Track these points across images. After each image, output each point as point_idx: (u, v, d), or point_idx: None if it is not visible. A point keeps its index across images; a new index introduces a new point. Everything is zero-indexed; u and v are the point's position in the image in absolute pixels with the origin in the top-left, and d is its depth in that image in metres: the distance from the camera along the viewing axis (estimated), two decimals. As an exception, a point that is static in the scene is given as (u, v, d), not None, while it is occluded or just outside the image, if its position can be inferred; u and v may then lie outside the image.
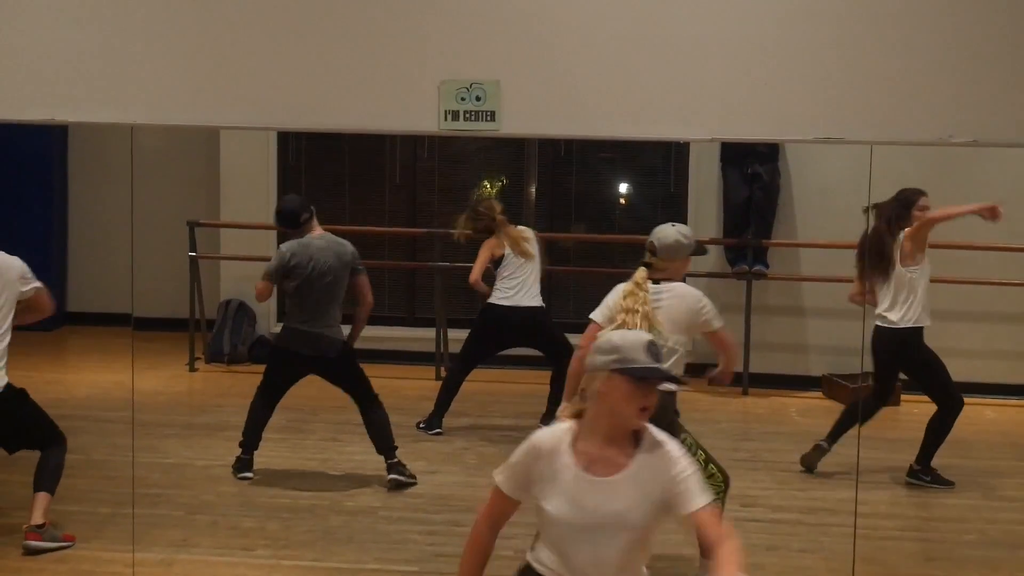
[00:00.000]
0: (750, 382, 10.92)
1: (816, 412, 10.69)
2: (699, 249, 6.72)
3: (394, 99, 5.92)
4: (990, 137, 5.66)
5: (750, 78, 5.68)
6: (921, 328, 8.50)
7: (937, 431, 8.58)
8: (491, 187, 12.90)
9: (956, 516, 8.05)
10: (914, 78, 5.71)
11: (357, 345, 8.58)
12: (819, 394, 11.17)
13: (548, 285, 12.10)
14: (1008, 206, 10.82)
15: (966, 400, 9.86)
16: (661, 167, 12.36)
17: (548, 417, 9.34)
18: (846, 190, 9.29)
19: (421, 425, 9.62)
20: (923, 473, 8.59)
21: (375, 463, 8.76)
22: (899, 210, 8.57)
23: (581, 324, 12.30)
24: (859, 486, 8.27)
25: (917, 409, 10.48)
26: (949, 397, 8.56)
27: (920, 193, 8.63)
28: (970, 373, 10.83)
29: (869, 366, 10.12)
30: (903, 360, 8.67)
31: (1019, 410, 10.38)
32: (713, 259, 11.44)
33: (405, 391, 10.89)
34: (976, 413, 10.42)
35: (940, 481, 8.54)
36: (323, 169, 12.84)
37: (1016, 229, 10.66)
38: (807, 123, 5.74)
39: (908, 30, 5.68)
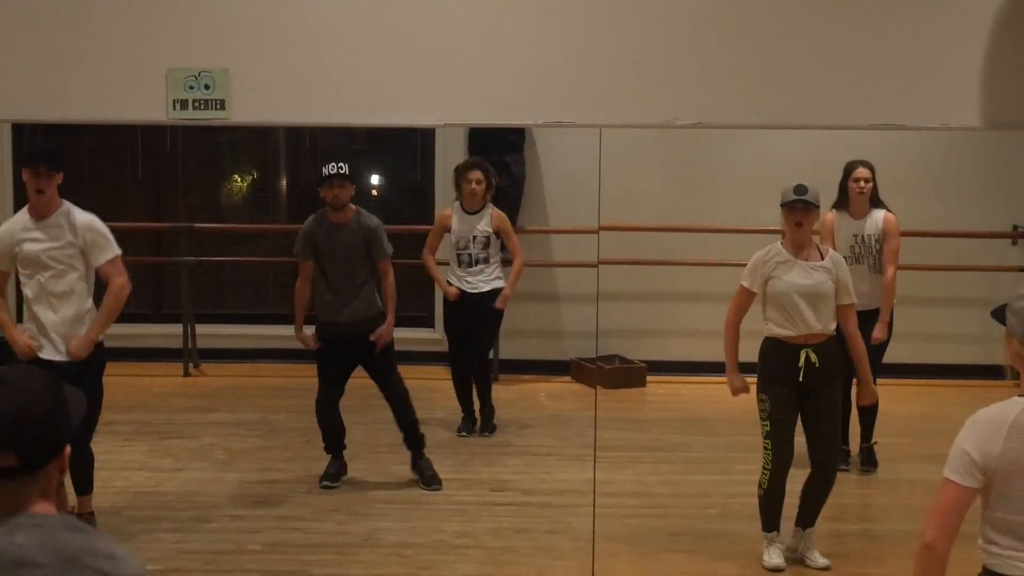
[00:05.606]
0: (500, 368, 11.03)
1: (565, 396, 10.86)
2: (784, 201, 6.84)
3: (121, 88, 5.80)
4: (713, 119, 5.83)
5: (479, 64, 5.73)
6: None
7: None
8: (241, 181, 12.77)
9: (698, 492, 8.25)
10: (641, 63, 5.82)
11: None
12: (568, 378, 11.33)
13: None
14: (741, 187, 11.21)
15: (705, 379, 10.20)
16: (409, 157, 12.39)
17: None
18: (594, 176, 9.42)
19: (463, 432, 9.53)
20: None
21: (120, 462, 8.58)
22: (842, 181, 8.49)
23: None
24: (608, 467, 8.44)
25: (663, 390, 10.77)
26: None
27: (857, 164, 8.45)
28: (713, 352, 11.16)
29: (602, 349, 10.37)
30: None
31: (759, 387, 10.70)
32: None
33: (153, 389, 10.70)
34: (718, 391, 10.68)
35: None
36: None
37: (744, 211, 11.03)
38: (538, 107, 5.81)
39: (633, 16, 5.79)
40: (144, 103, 5.79)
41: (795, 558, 7.01)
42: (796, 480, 6.91)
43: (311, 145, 12.51)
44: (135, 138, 12.23)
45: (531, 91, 5.79)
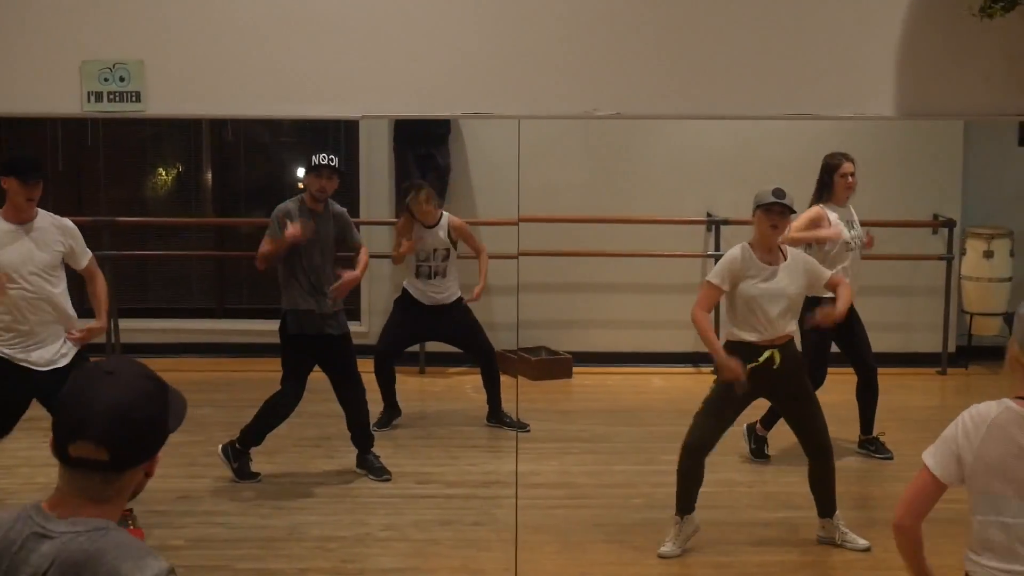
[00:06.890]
0: (427, 361, 11.01)
1: (491, 387, 10.83)
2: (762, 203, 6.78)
3: (34, 81, 5.73)
4: (632, 110, 5.83)
5: (398, 55, 5.71)
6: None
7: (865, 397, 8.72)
8: (165, 174, 12.66)
9: (623, 482, 8.27)
10: (560, 54, 5.83)
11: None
12: (495, 370, 11.32)
13: (223, 272, 11.97)
14: (662, 178, 11.25)
15: (630, 370, 10.22)
16: (333, 150, 12.30)
17: None
18: (523, 167, 9.41)
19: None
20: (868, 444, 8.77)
21: (42, 458, 8.45)
22: (824, 176, 8.41)
23: (256, 310, 12.25)
24: (533, 458, 8.46)
25: (588, 381, 10.79)
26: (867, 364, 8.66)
27: (842, 159, 8.39)
28: (638, 343, 11.21)
29: (528, 341, 10.36)
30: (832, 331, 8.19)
31: (684, 377, 10.76)
32: (387, 240, 11.49)
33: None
34: (643, 381, 10.78)
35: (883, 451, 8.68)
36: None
37: (665, 202, 11.08)
38: (456, 99, 5.80)
39: (552, 7, 5.79)
40: (58, 96, 5.72)
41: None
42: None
43: (235, 138, 12.41)
44: (55, 130, 12.06)
45: (449, 82, 5.78)
